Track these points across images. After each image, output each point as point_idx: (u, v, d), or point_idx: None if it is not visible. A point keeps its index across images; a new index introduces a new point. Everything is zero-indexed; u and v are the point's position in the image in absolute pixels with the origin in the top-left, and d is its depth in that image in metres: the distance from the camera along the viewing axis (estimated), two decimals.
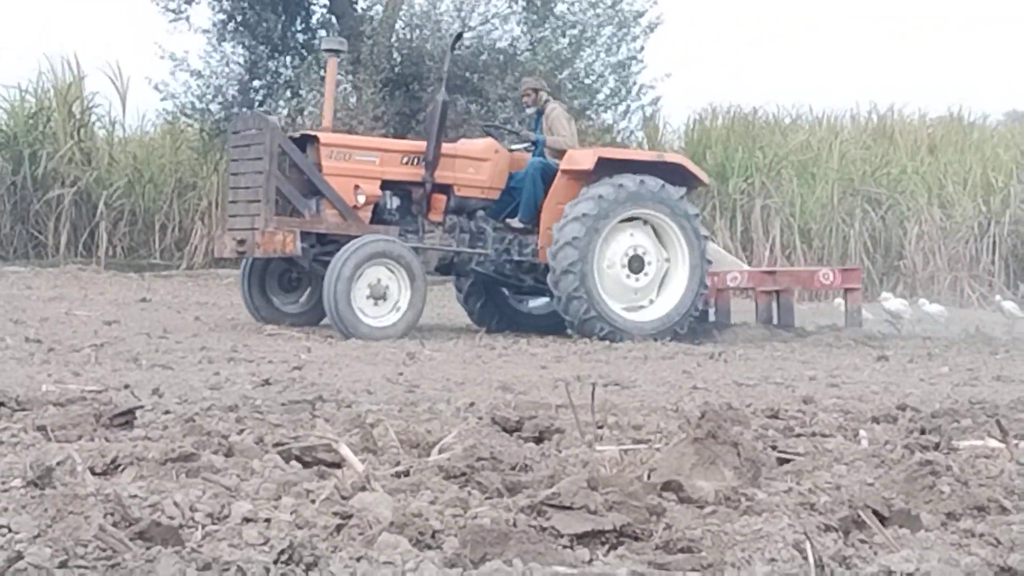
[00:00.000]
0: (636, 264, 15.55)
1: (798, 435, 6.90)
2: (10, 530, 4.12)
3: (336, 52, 16.23)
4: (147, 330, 14.52)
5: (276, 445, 5.83)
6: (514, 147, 16.66)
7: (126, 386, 8.91)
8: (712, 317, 16.71)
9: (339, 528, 4.39)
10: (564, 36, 27.20)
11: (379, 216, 15.50)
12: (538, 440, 6.48)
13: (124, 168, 26.20)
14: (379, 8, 27.31)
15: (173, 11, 26.37)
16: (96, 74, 28.69)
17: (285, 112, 26.82)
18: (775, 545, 4.33)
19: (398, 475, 5.38)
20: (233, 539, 4.23)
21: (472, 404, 7.97)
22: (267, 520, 4.42)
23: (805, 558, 4.25)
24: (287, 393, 8.72)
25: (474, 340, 14.22)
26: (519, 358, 12.70)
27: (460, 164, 15.84)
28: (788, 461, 6.02)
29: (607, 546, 4.40)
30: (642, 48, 27.99)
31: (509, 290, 16.82)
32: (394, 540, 4.19)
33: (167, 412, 7.07)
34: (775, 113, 30.27)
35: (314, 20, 27.84)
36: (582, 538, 4.41)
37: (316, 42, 27.18)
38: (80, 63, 27.42)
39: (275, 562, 4.00)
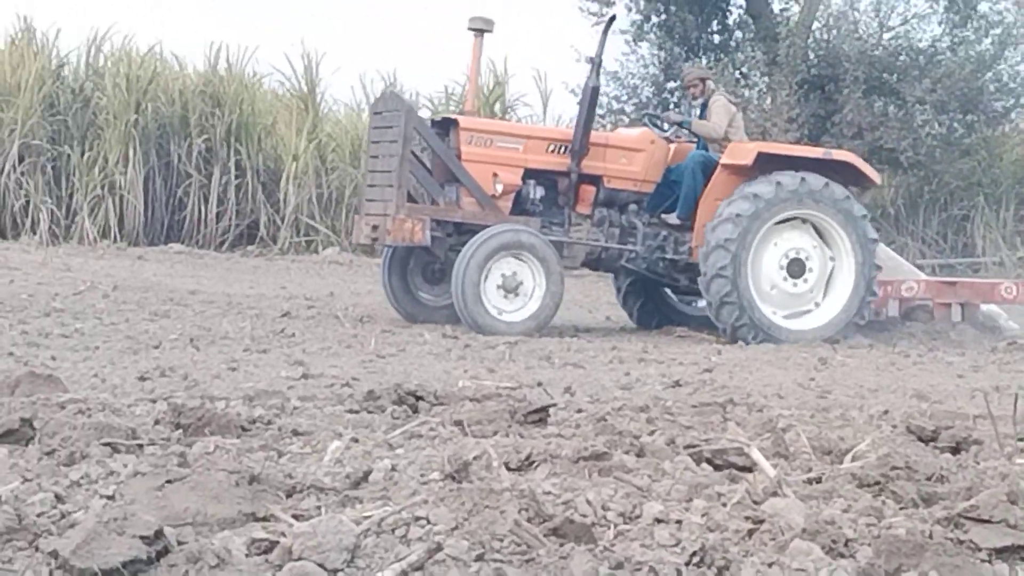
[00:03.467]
0: (796, 268, 14.44)
1: None
2: (429, 522, 4.23)
3: (482, 31, 14.91)
4: (559, 329, 14.75)
5: (687, 447, 5.82)
6: (667, 132, 15.39)
7: (539, 384, 9.06)
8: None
9: (750, 533, 4.36)
10: (987, 36, 26.35)
11: (521, 206, 14.66)
12: (955, 451, 6.29)
13: None
14: (796, 9, 27.10)
15: (595, 15, 26.73)
16: (521, 77, 29.43)
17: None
18: None
19: (810, 481, 5.31)
20: (645, 539, 4.24)
21: (886, 412, 7.79)
22: (678, 522, 4.42)
23: None
24: (697, 395, 8.71)
25: (888, 347, 13.89)
26: (934, 366, 12.37)
27: (611, 154, 14.85)
28: None
29: None
30: None
31: (667, 289, 15.87)
32: (806, 547, 4.13)
33: (579, 411, 7.14)
34: None
35: (730, 21, 27.81)
36: (1001, 553, 4.27)
37: (732, 43, 27.15)
38: (507, 67, 28.34)
39: (687, 564, 4.00)
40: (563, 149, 14.74)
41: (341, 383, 8.60)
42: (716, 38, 27.59)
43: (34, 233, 24.26)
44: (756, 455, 5.40)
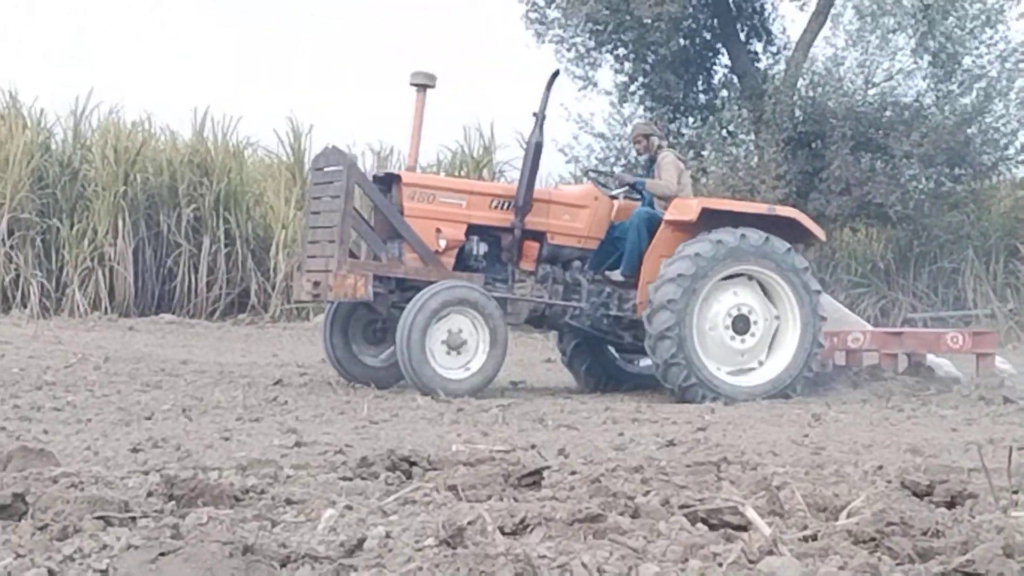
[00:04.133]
0: (741, 324, 14.33)
1: None
2: None
3: (424, 87, 14.61)
4: (552, 390, 14.72)
5: (682, 507, 5.81)
6: (615, 192, 15.33)
7: (533, 446, 9.05)
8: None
9: None
10: (972, 90, 26.47)
11: (464, 262, 14.52)
12: (950, 505, 6.28)
13: None
14: (781, 67, 27.22)
15: (582, 79, 26.82)
16: (509, 143, 29.70)
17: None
18: None
19: (805, 539, 5.29)
20: None
21: (880, 467, 7.79)
22: None
23: None
24: (691, 454, 8.69)
25: (881, 401, 13.87)
26: (928, 420, 12.36)
27: (555, 210, 14.76)
28: None
29: None
30: None
31: (611, 347, 15.71)
32: None
33: (573, 473, 7.12)
34: None
35: (715, 80, 27.92)
36: None
37: (717, 102, 27.26)
38: (495, 133, 28.59)
39: None
40: (506, 205, 14.67)
41: (334, 450, 8.58)
42: (702, 97, 27.69)
43: (24, 306, 24.26)
44: (751, 514, 5.39)
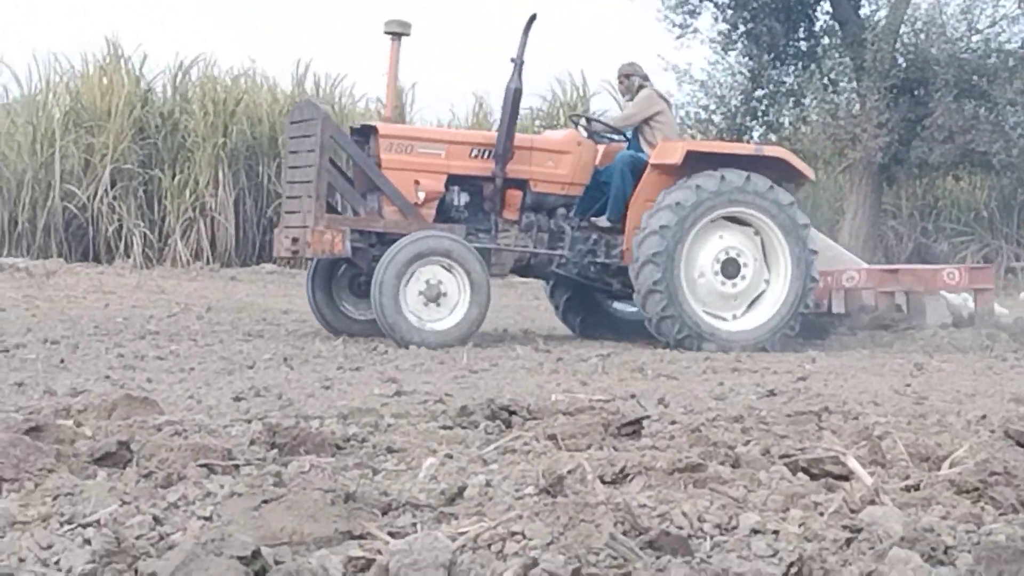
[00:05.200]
0: (731, 268, 14.02)
1: None
2: (524, 537, 4.23)
3: (399, 35, 14.24)
4: (651, 341, 14.71)
5: (782, 456, 5.79)
6: (602, 135, 14.92)
7: (632, 396, 9.04)
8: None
9: (848, 542, 4.32)
10: None
11: (445, 213, 14.14)
12: None
13: None
14: (883, 13, 26.88)
15: (680, 26, 26.61)
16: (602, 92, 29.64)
17: (787, 121, 26.73)
18: None
19: (907, 489, 5.26)
20: (742, 550, 4.22)
21: (984, 417, 7.70)
22: (775, 532, 4.39)
23: None
24: (792, 404, 8.64)
25: (985, 351, 13.72)
26: None
27: (537, 157, 14.33)
28: None
29: None
30: None
31: (598, 294, 15.32)
32: (905, 555, 4.08)
33: (673, 422, 7.10)
34: None
35: (817, 27, 27.59)
36: None
37: (819, 50, 26.96)
38: (587, 80, 28.54)
39: (784, 574, 3.97)
40: (487, 153, 14.29)
41: (434, 399, 8.61)
42: (803, 45, 27.37)
43: (128, 257, 24.52)
44: (852, 463, 5.36)
